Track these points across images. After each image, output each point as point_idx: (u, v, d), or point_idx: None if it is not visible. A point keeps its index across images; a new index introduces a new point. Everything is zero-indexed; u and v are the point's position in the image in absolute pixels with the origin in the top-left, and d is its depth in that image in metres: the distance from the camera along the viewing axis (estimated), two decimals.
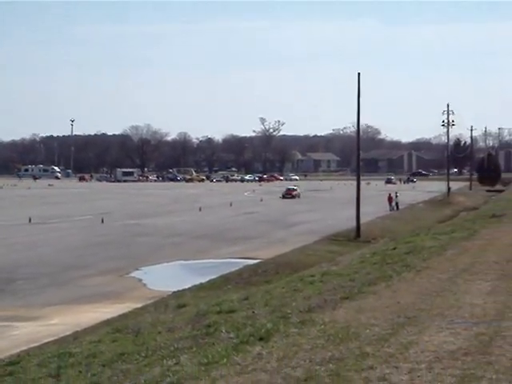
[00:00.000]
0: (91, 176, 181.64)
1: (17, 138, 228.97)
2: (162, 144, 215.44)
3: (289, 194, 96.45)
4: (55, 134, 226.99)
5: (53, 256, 39.77)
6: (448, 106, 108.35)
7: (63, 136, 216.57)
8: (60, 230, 53.09)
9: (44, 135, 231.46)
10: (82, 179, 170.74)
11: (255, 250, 42.77)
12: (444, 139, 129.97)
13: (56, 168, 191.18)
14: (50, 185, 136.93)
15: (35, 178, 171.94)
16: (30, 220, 58.70)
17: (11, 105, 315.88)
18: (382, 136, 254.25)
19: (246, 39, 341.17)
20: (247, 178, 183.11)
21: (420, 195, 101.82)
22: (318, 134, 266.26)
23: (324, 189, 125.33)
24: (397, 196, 79.45)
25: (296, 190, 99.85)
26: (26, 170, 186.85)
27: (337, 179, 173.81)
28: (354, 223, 52.41)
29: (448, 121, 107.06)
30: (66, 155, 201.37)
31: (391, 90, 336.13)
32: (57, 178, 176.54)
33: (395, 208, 77.24)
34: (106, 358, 12.74)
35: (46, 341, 19.54)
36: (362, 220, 53.16)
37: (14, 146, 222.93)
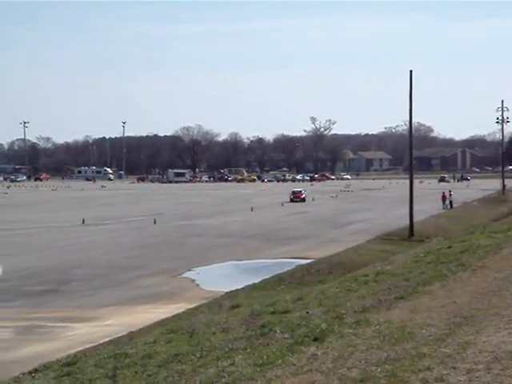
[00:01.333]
0: (147, 177, 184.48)
1: (70, 140, 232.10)
2: (213, 144, 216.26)
3: (297, 198, 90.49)
4: (107, 136, 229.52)
5: (106, 257, 40.12)
6: (502, 102, 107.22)
7: (115, 138, 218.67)
8: (113, 232, 53.55)
9: (96, 137, 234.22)
10: (139, 180, 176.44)
11: (308, 249, 42.65)
12: (499, 136, 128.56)
13: (108, 169, 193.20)
14: (103, 186, 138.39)
15: (88, 179, 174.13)
16: (83, 221, 59.33)
17: (64, 107, 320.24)
18: (434, 134, 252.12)
19: (298, 37, 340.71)
20: (298, 177, 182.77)
21: (474, 193, 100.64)
22: (370, 133, 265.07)
23: (376, 188, 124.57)
24: (451, 194, 78.64)
25: (303, 192, 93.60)
26: (80, 172, 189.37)
27: (389, 178, 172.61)
28: (407, 222, 51.98)
29: (502, 117, 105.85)
30: (118, 157, 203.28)
31: (444, 87, 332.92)
32: (109, 179, 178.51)
33: (449, 206, 76.47)
34: (161, 359, 12.78)
35: (101, 341, 19.68)
36: (416, 219, 52.70)
37: (67, 148, 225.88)
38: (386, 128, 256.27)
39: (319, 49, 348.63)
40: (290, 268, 34.32)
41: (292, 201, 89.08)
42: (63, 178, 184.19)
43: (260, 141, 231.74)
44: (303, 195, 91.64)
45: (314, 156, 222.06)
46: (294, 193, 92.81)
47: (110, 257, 40.13)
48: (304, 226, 56.42)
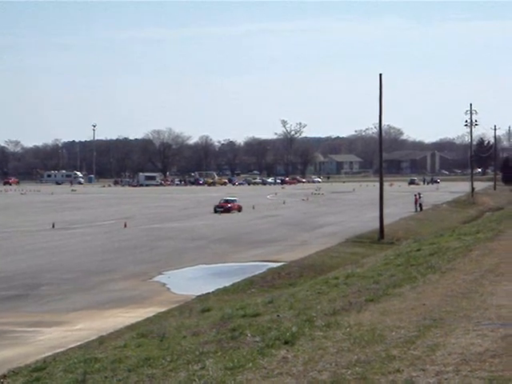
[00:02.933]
0: (121, 181, 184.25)
1: (39, 143, 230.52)
2: (183, 148, 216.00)
3: (221, 207, 74.42)
4: (77, 140, 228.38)
5: (76, 261, 39.88)
6: (471, 105, 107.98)
7: (85, 141, 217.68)
8: (83, 235, 53.25)
9: (66, 140, 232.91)
10: (116, 183, 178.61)
11: (279, 252, 42.69)
12: (467, 139, 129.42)
13: (78, 173, 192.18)
14: (73, 190, 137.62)
15: (58, 183, 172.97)
16: (53, 225, 58.96)
17: (33, 111, 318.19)
18: (404, 137, 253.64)
19: (268, 42, 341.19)
20: (269, 180, 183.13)
21: (444, 196, 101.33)
22: (341, 136, 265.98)
23: (347, 190, 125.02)
24: (420, 197, 79.09)
25: (235, 201, 77.91)
26: (49, 176, 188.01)
27: (359, 181, 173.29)
28: (377, 225, 52.22)
29: (471, 120, 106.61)
30: (89, 160, 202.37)
31: (414, 91, 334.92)
32: (79, 183, 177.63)
33: (419, 209, 76.90)
34: (131, 363, 12.74)
35: (71, 346, 19.54)
36: (386, 222, 52.94)
37: (36, 151, 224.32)
38: (356, 131, 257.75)
39: (290, 53, 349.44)
40: (261, 271, 34.33)
41: (216, 211, 73.61)
42: (36, 181, 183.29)
43: (231, 144, 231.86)
44: (231, 205, 75.89)
45: (284, 159, 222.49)
46: (222, 202, 76.79)
47: (81, 260, 39.89)
48: (275, 229, 56.47)
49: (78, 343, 19.96)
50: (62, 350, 18.96)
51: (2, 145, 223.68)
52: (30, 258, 41.16)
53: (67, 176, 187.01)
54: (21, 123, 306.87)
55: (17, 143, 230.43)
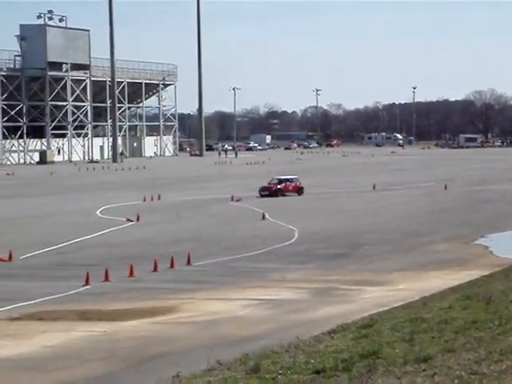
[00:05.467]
0: (442, 142, 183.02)
1: (360, 106, 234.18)
2: (506, 108, 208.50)
3: None
4: (397, 102, 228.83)
5: (396, 222, 40.22)
6: None
7: (405, 103, 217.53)
8: (402, 197, 53.60)
9: (386, 103, 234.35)
10: (436, 145, 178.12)
11: None
12: None
13: (398, 135, 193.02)
14: (392, 152, 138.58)
15: (378, 145, 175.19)
16: (374, 187, 59.87)
17: (354, 74, 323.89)
18: None
19: None
20: None
21: None
22: None
23: None
24: None
25: None
26: (370, 138, 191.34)
27: None
28: None
29: None
30: (408, 122, 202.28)
31: None
32: (399, 145, 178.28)
33: None
34: (458, 325, 12.63)
35: (394, 305, 19.78)
36: None
37: (357, 114, 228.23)
38: None
39: None
40: None
41: None
42: (357, 143, 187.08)
43: None
44: None
45: None
46: None
47: (400, 222, 40.18)
48: None
49: (401, 303, 20.12)
50: (386, 308, 19.24)
51: (325, 108, 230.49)
52: (351, 218, 42.20)
53: (387, 138, 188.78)
54: (342, 87, 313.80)
55: (339, 106, 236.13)
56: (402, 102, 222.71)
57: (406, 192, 57.23)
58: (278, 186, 54.85)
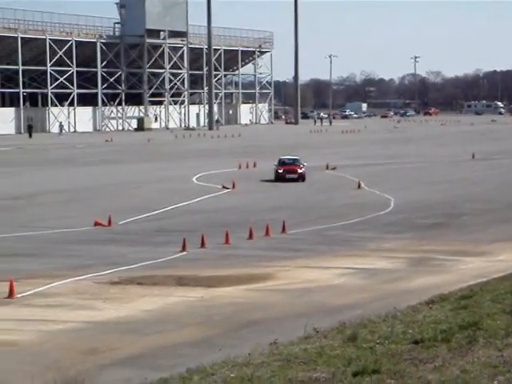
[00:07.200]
0: None
1: (459, 73, 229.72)
2: None
3: None
4: (498, 69, 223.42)
5: (496, 192, 39.40)
6: None
7: (507, 70, 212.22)
8: (502, 167, 52.42)
9: (487, 70, 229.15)
10: None
11: None
12: None
13: (499, 103, 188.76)
14: (492, 120, 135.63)
15: (478, 113, 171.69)
16: (473, 156, 58.73)
17: (454, 41, 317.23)
18: None
19: None
20: None
21: None
22: None
23: None
24: None
25: None
26: (469, 106, 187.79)
27: None
28: None
29: None
30: (510, 90, 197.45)
31: None
32: (500, 113, 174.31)
33: None
34: None
35: (494, 276, 19.39)
36: None
37: (456, 82, 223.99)
38: None
39: None
40: None
41: None
42: (456, 111, 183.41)
43: None
44: None
45: None
46: None
47: (500, 192, 39.33)
48: None
49: (501, 274, 19.71)
50: (485, 279, 18.87)
51: (423, 75, 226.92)
52: (450, 187, 41.53)
53: (487, 106, 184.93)
54: (442, 53, 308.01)
55: (437, 73, 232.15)
56: (504, 69, 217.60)
57: (505, 161, 55.96)
58: None
